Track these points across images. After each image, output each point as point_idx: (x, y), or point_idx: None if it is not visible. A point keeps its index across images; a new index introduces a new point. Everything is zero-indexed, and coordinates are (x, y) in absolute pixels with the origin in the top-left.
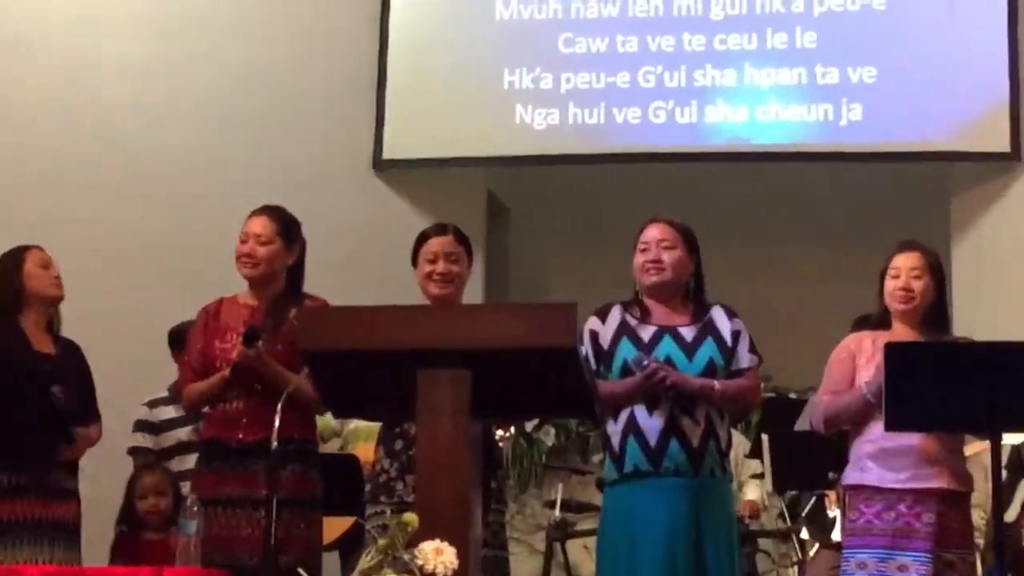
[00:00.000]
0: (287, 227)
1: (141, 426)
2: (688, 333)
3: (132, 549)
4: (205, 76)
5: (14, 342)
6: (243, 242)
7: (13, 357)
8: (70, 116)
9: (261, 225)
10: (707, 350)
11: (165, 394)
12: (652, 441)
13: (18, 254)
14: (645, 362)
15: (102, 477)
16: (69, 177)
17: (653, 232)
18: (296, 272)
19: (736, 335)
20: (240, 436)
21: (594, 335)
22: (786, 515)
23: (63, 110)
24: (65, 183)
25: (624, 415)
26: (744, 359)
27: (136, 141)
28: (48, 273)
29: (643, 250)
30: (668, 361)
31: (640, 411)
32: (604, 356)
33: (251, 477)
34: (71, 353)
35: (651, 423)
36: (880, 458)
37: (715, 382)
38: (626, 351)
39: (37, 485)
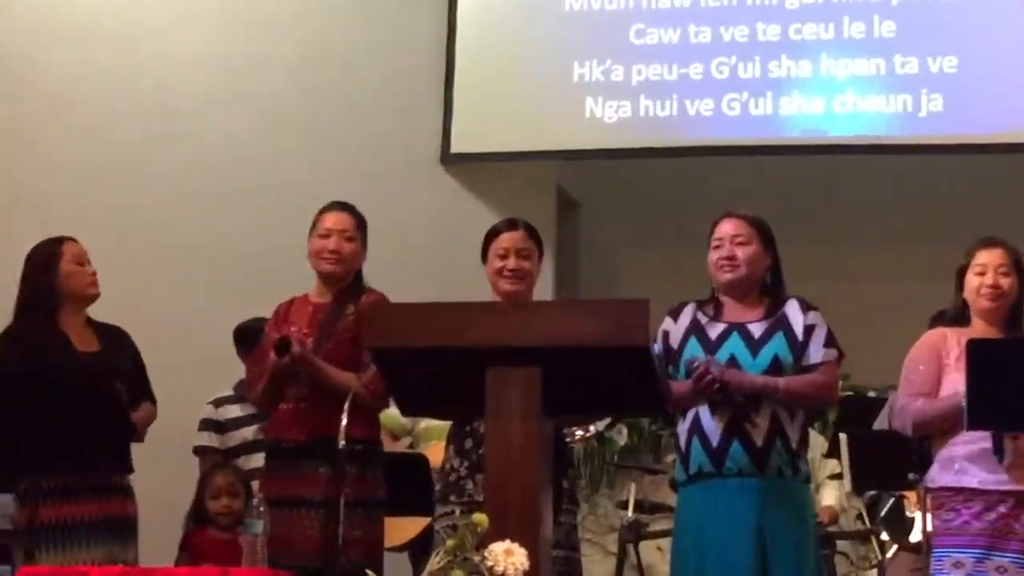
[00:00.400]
0: (363, 224)
1: (207, 425)
2: (757, 329)
3: (199, 547)
4: (268, 70)
5: (55, 343)
6: (324, 237)
7: (56, 363)
8: (135, 110)
9: (345, 221)
10: (774, 346)
11: (231, 392)
12: (714, 442)
13: (53, 248)
14: (696, 363)
15: (164, 474)
16: (134, 171)
17: (727, 228)
18: (359, 271)
19: (809, 329)
20: (295, 436)
21: (665, 334)
22: (865, 516)
23: (126, 104)
24: (129, 177)
25: (690, 415)
26: (816, 354)
27: (199, 136)
28: (84, 270)
29: (716, 247)
30: (732, 360)
31: (704, 412)
32: (673, 356)
33: (312, 477)
34: (116, 342)
35: (713, 424)
36: (979, 460)
37: (780, 380)
38: (692, 350)
39: (93, 485)
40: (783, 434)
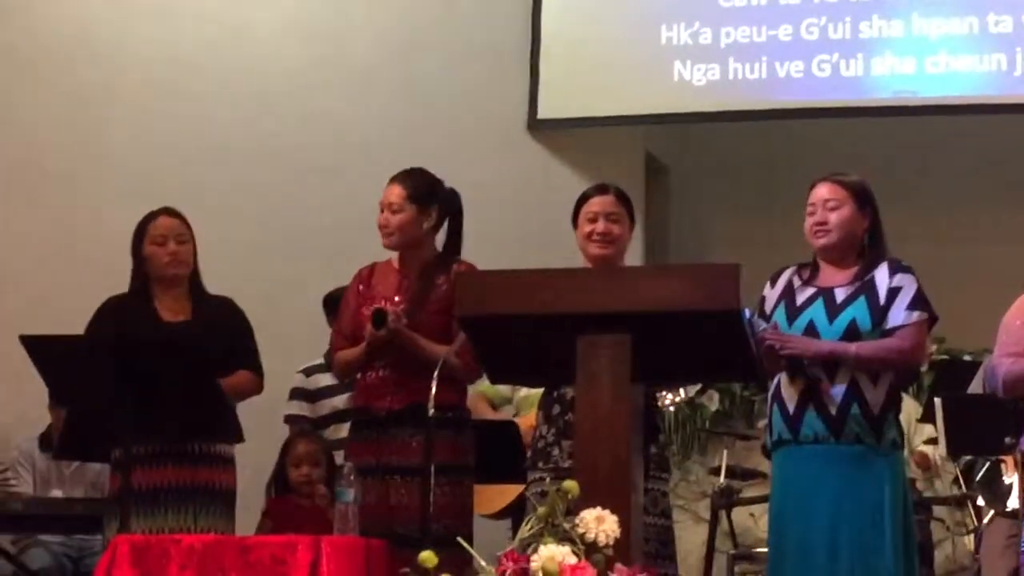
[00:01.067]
0: (420, 191)
1: (297, 394)
2: (841, 294)
3: (283, 515)
4: (354, 39)
5: (141, 314)
6: (381, 212)
7: (138, 332)
8: (222, 83)
9: (394, 193)
10: (853, 311)
11: (321, 361)
12: (790, 408)
13: (141, 226)
14: (760, 328)
15: (259, 444)
16: (222, 144)
17: (819, 192)
18: (452, 236)
19: (894, 292)
20: (388, 404)
21: (762, 300)
22: (961, 481)
23: (215, 77)
24: (218, 150)
25: (774, 382)
26: (898, 316)
27: (287, 108)
28: (164, 249)
29: (810, 212)
30: (810, 325)
31: (783, 378)
32: (765, 321)
33: (401, 445)
34: (214, 311)
35: (789, 389)
36: None
37: (852, 345)
38: (779, 316)
39: (184, 452)
40: (861, 400)
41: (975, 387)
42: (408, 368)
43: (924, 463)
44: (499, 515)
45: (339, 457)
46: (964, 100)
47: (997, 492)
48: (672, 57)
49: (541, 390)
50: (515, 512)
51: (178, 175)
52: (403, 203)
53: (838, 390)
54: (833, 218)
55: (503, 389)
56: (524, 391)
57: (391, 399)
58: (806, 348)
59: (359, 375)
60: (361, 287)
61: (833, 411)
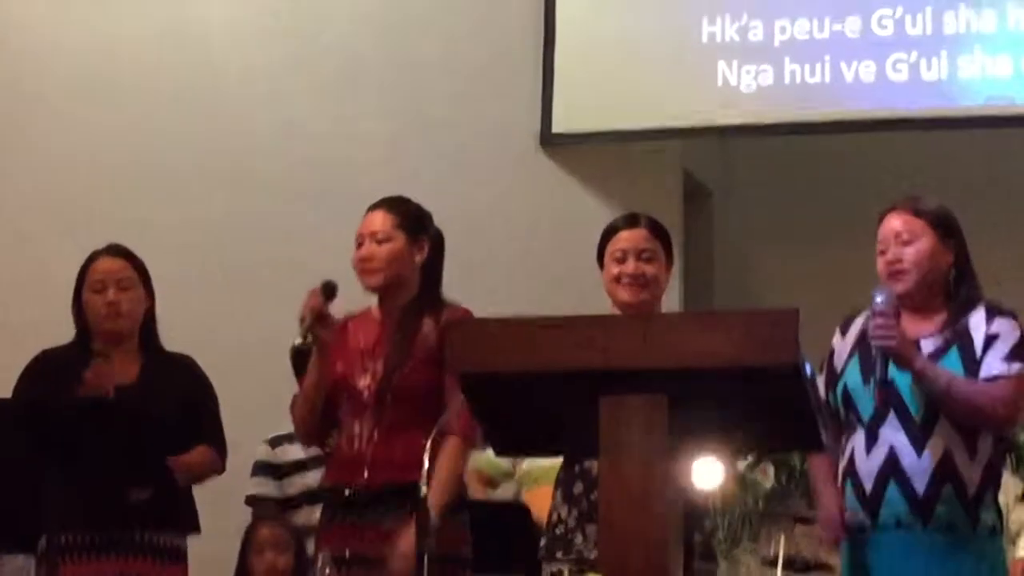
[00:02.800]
0: (410, 218)
1: (262, 469)
2: (929, 346)
3: None
4: (331, 37)
5: (75, 375)
6: (359, 245)
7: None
8: (173, 88)
9: (378, 220)
10: (945, 365)
11: (290, 430)
12: (868, 486)
13: (82, 269)
14: (880, 298)
15: (216, 531)
16: (174, 160)
17: (890, 225)
18: (431, 273)
19: (991, 339)
20: (369, 482)
21: (831, 353)
22: None
23: (165, 80)
24: (169, 167)
25: (847, 452)
26: (993, 367)
27: (250, 118)
28: (102, 298)
29: (881, 252)
30: (891, 385)
31: (859, 449)
32: (833, 378)
33: (383, 530)
34: (168, 372)
35: (869, 463)
36: None
37: (947, 374)
38: (852, 374)
39: (121, 540)
40: (956, 478)
41: None
42: (389, 438)
43: None
44: None
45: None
46: None
47: None
48: (716, 57)
49: (550, 461)
50: None
51: (116, 201)
52: (392, 231)
53: (925, 464)
54: (909, 255)
55: (502, 462)
56: (527, 463)
57: (369, 475)
58: (903, 350)
59: (328, 448)
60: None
61: (920, 490)
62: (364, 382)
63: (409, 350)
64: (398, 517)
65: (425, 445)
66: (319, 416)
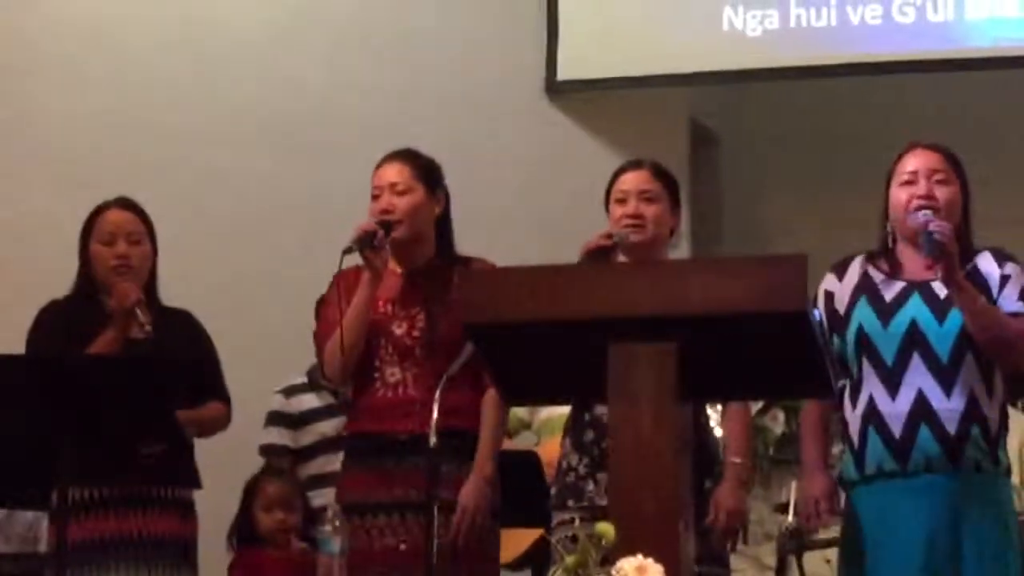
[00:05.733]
0: (428, 170)
1: (276, 419)
2: (942, 288)
3: (255, 569)
4: None
5: (89, 327)
6: (376, 197)
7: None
8: (176, 44)
9: (396, 172)
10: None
11: (304, 379)
12: (897, 431)
13: (90, 220)
14: (922, 217)
15: (225, 483)
16: (181, 119)
17: (923, 160)
18: (444, 229)
19: (1004, 280)
20: (407, 426)
21: (829, 296)
22: None
23: (169, 36)
24: (176, 126)
25: (863, 398)
26: (1010, 304)
27: (250, 73)
28: (112, 251)
29: (908, 182)
30: (912, 326)
31: (880, 394)
32: (838, 323)
33: (414, 476)
34: (174, 327)
35: (895, 407)
36: None
37: (981, 298)
38: (862, 315)
39: (135, 497)
40: (982, 418)
41: None
42: (421, 382)
43: None
44: (514, 565)
45: (317, 498)
46: None
47: None
48: (721, 2)
49: (567, 410)
50: (535, 561)
51: (118, 155)
52: (411, 182)
53: (955, 405)
54: (942, 195)
55: (519, 412)
56: (545, 413)
57: (404, 421)
58: (953, 252)
59: (360, 393)
60: (351, 291)
61: (953, 431)
62: (401, 330)
63: (447, 300)
64: (457, 463)
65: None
66: (362, 346)
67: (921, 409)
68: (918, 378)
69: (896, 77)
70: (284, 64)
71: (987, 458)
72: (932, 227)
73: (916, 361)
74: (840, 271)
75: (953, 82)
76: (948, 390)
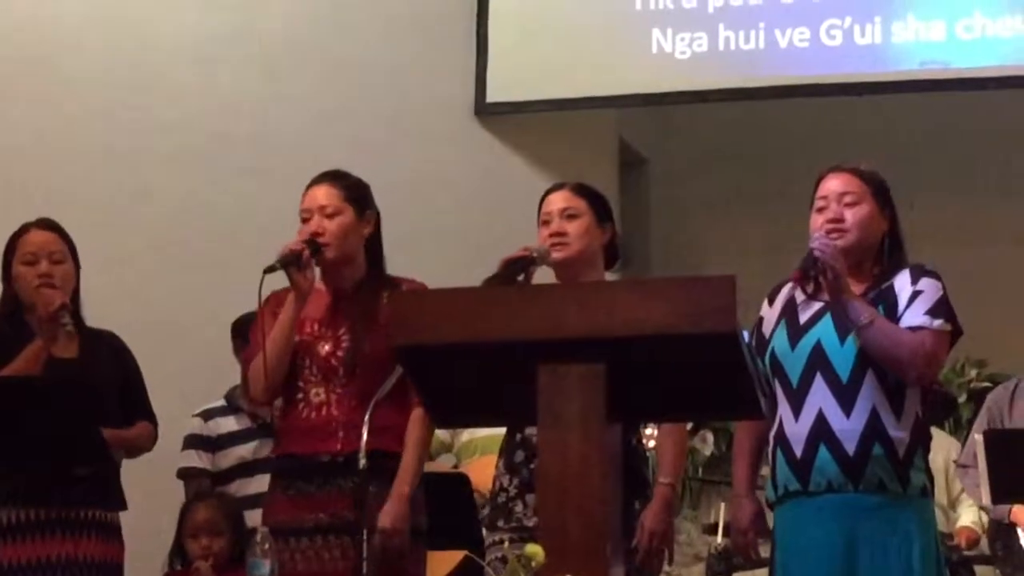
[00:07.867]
0: (357, 191)
1: (194, 442)
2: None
3: None
4: (271, 10)
5: (14, 349)
6: (305, 220)
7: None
8: (108, 63)
9: (325, 194)
10: None
11: (222, 403)
12: (798, 451)
13: (12, 242)
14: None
15: (148, 505)
16: (105, 134)
17: (832, 184)
18: (373, 249)
19: (915, 295)
20: (333, 447)
21: (759, 321)
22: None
23: (101, 55)
24: (103, 141)
25: (777, 419)
26: (917, 318)
27: (184, 92)
28: (33, 270)
29: (820, 208)
30: (817, 348)
31: (787, 414)
32: (762, 346)
33: (341, 498)
34: (100, 349)
35: (797, 428)
36: None
37: (870, 312)
38: (780, 340)
39: (63, 519)
40: (884, 437)
41: None
42: (345, 404)
43: (972, 542)
44: None
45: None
46: (1005, 72)
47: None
48: (650, 24)
49: (489, 432)
50: None
51: (47, 176)
52: (340, 204)
53: (854, 425)
54: (851, 216)
55: (441, 434)
56: (467, 434)
57: (342, 441)
58: (838, 268)
59: (285, 415)
60: (279, 312)
61: (851, 451)
62: (325, 350)
63: (374, 321)
64: (386, 484)
65: (364, 418)
66: (287, 365)
67: (820, 429)
68: (819, 398)
69: (824, 100)
70: (217, 84)
71: (893, 478)
72: (813, 244)
73: (819, 382)
74: (773, 295)
75: (880, 104)
76: (848, 410)
